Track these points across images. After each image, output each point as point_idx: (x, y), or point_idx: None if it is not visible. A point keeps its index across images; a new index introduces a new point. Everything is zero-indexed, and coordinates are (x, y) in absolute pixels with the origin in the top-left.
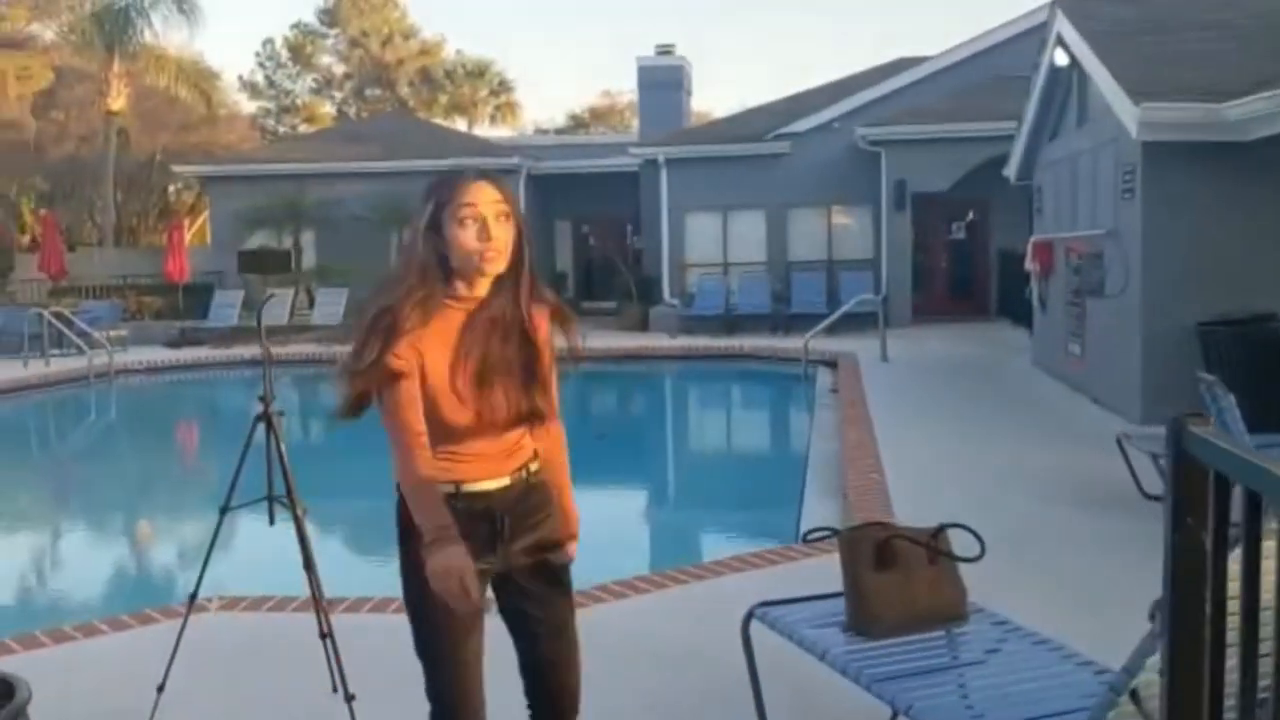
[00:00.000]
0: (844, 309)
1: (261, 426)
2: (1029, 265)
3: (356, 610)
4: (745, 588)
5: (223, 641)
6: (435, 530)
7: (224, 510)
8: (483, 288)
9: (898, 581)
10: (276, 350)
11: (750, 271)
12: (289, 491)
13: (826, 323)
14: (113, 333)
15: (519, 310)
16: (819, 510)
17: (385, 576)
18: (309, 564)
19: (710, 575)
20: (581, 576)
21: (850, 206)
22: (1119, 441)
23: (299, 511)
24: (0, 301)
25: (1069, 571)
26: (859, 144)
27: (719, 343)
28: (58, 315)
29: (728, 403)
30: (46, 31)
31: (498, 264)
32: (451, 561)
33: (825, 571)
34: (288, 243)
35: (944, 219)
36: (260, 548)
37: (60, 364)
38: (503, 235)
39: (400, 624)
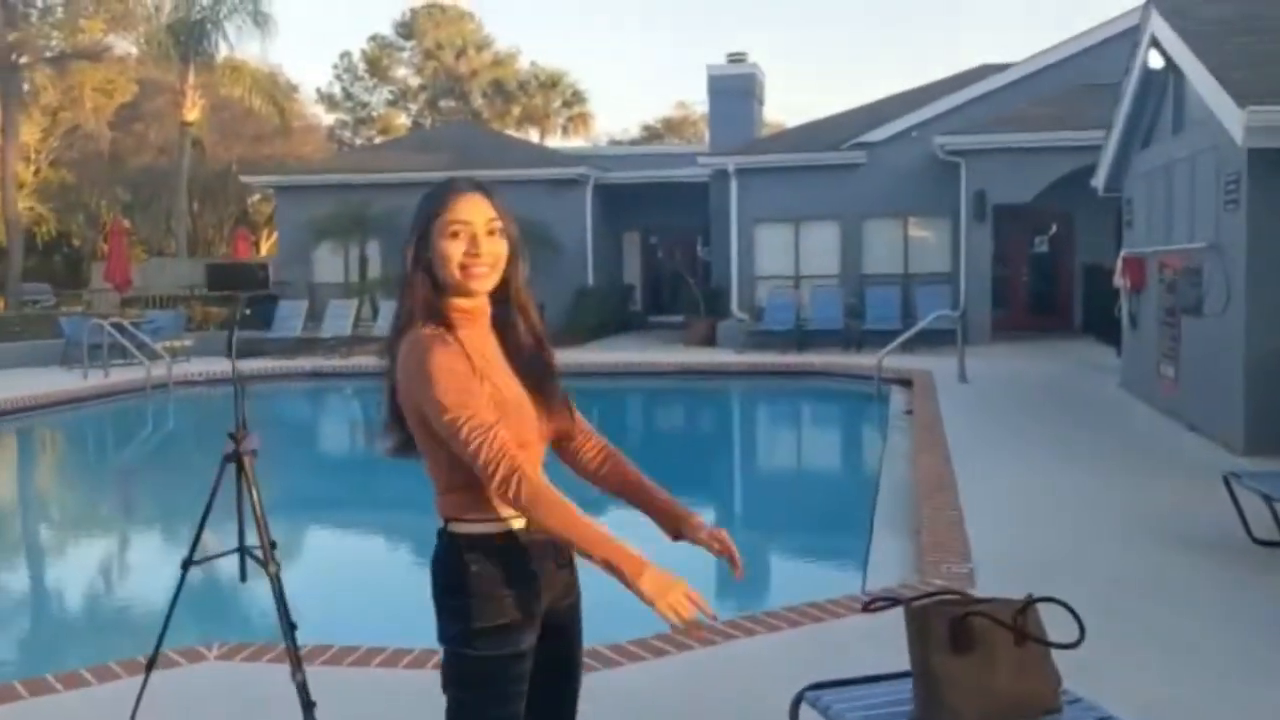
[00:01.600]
0: (920, 325)
1: (232, 468)
2: (1118, 281)
3: (366, 664)
4: (797, 650)
5: (218, 695)
6: (628, 557)
7: (187, 564)
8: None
9: (977, 667)
10: (338, 362)
11: (822, 285)
12: (262, 543)
13: (901, 339)
14: (175, 343)
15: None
16: (888, 550)
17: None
18: (287, 627)
19: (755, 631)
20: (594, 630)
21: (927, 218)
22: (1226, 481)
23: (271, 570)
24: (76, 311)
25: (1180, 638)
26: (937, 153)
27: (788, 359)
28: (117, 326)
29: (794, 424)
30: (122, 42)
31: (486, 281)
32: (667, 576)
33: (894, 630)
34: (354, 253)
35: (1026, 231)
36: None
37: (120, 375)
38: (492, 250)
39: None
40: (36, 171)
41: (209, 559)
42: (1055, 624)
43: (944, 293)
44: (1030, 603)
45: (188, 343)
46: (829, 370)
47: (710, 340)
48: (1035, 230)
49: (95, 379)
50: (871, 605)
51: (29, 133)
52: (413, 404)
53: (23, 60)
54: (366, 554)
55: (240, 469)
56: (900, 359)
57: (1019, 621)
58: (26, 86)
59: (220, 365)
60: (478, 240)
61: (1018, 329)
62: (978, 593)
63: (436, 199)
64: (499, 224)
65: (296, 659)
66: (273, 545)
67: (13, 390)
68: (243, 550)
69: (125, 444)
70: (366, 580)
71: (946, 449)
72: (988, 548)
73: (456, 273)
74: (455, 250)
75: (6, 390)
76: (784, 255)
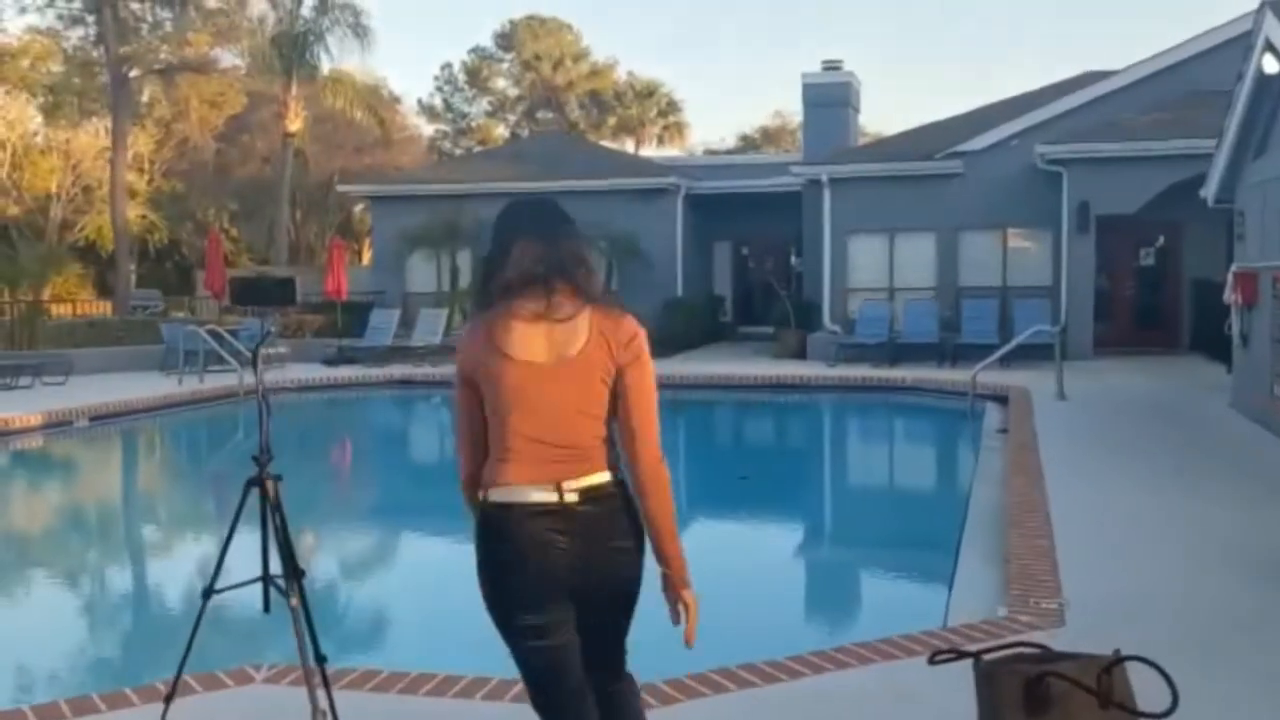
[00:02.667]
0: (1018, 340)
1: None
2: (1229, 297)
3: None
4: (865, 692)
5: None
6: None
7: (208, 593)
8: None
9: None
10: (428, 370)
11: (917, 297)
12: (289, 572)
13: (999, 354)
14: (271, 350)
15: None
16: (974, 578)
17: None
18: (314, 658)
19: (823, 669)
20: (651, 662)
21: (1027, 229)
22: None
23: (293, 602)
24: (179, 318)
25: None
26: (1038, 163)
27: (880, 373)
28: (213, 333)
29: (884, 440)
30: (228, 56)
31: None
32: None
33: (970, 675)
34: (445, 262)
35: (1131, 244)
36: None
37: (215, 381)
38: None
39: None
40: (150, 181)
41: (230, 588)
42: (1147, 677)
43: (1043, 307)
44: (1117, 662)
45: (282, 350)
46: (921, 385)
47: (801, 353)
48: (1141, 243)
49: (191, 384)
50: (937, 659)
51: (143, 143)
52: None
53: (133, 73)
54: (441, 567)
55: (264, 493)
56: (996, 374)
57: (1103, 684)
58: (145, 99)
59: (313, 373)
60: None
61: (1121, 345)
62: (1066, 631)
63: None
64: None
65: (328, 696)
66: (300, 574)
67: (113, 394)
68: (266, 579)
69: (215, 449)
70: (434, 597)
71: (1040, 471)
72: (1079, 580)
73: None
74: None
75: (107, 394)
76: (878, 266)
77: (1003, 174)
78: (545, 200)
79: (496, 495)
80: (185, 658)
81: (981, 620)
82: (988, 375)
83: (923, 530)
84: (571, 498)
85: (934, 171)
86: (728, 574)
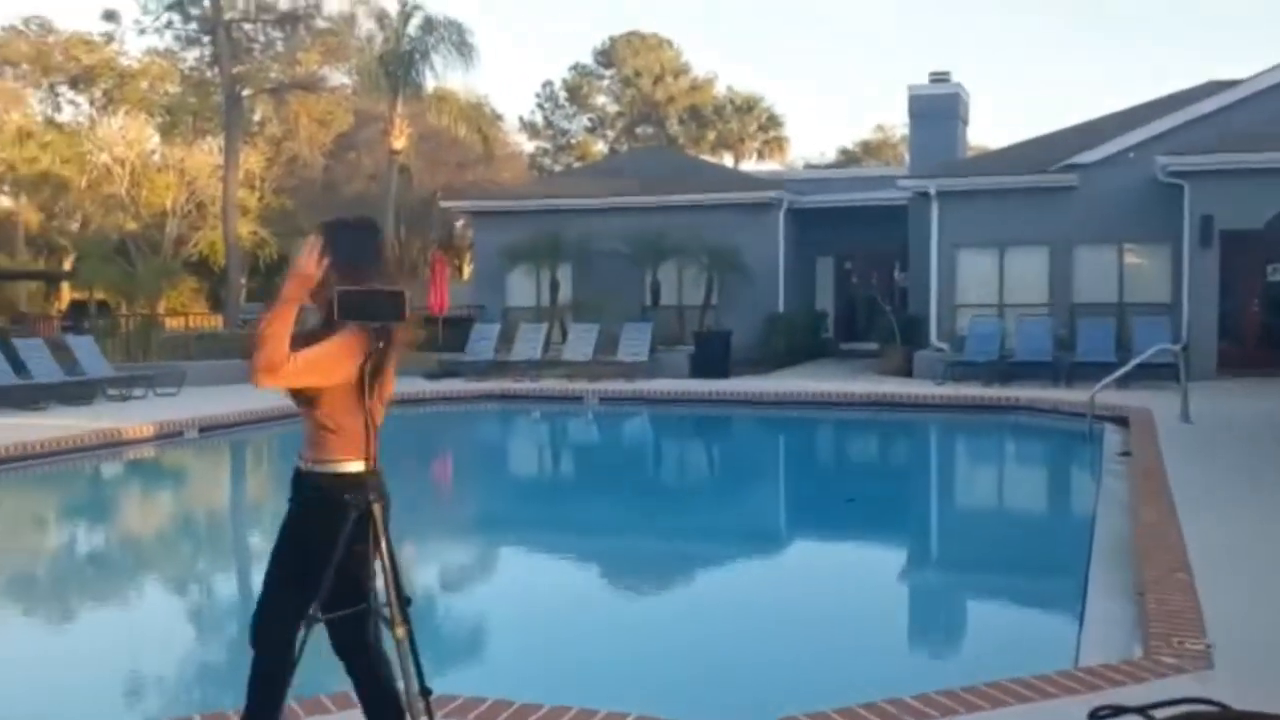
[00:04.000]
0: (1138, 359)
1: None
2: None
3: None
4: None
5: None
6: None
7: (310, 620)
8: None
9: None
10: (528, 385)
11: (1030, 314)
12: (391, 601)
13: (1118, 374)
14: None
15: None
16: (1106, 614)
17: None
18: (419, 694)
19: (953, 710)
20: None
21: (1146, 244)
22: None
23: (399, 633)
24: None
25: None
26: (1158, 175)
27: (991, 392)
28: None
29: (996, 462)
30: (336, 74)
31: None
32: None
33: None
34: (545, 277)
35: (1258, 259)
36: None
37: None
38: None
39: None
40: (261, 198)
41: (332, 617)
42: None
43: (1163, 324)
44: None
45: None
46: (1035, 405)
47: (906, 371)
48: (1269, 258)
49: None
50: (1099, 715)
51: (255, 161)
52: None
53: (245, 93)
54: (548, 586)
55: (369, 516)
56: (1115, 395)
57: None
58: (257, 117)
59: (413, 387)
60: None
61: (1246, 366)
62: (1217, 676)
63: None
64: None
65: None
66: (407, 602)
67: (222, 406)
68: (370, 610)
69: None
70: (540, 619)
71: (1170, 498)
72: (1225, 618)
73: None
74: None
75: (217, 406)
76: (987, 282)
77: (1119, 187)
78: None
79: None
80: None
81: (1120, 660)
82: (1106, 396)
83: (1044, 559)
84: None
85: (1047, 184)
86: (837, 603)
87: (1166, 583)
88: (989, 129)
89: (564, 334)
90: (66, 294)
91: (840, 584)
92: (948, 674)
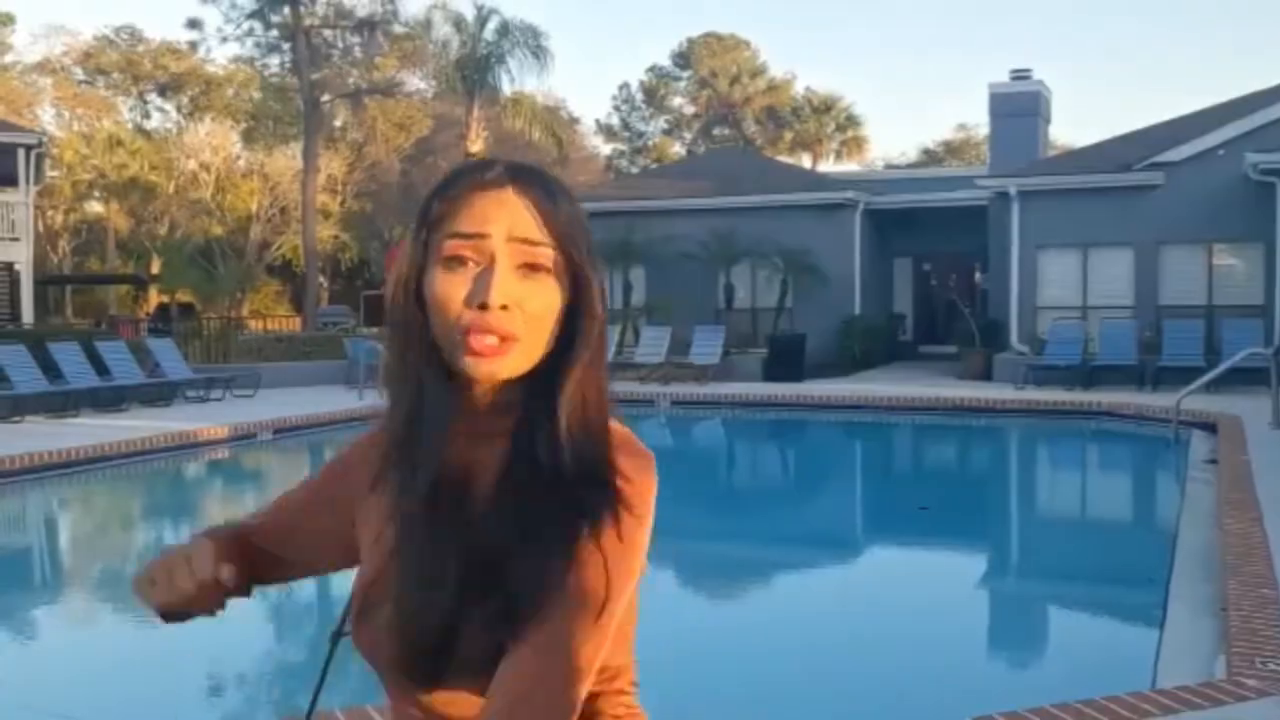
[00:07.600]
0: (1228, 363)
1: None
2: None
3: None
4: None
5: None
6: None
7: (337, 636)
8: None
9: None
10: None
11: (1113, 317)
12: None
13: (1206, 379)
14: None
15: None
16: (1186, 630)
17: None
18: None
19: None
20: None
21: (1235, 244)
22: None
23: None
24: (363, 334)
25: None
26: (1249, 173)
27: (1073, 397)
28: None
29: (1077, 469)
30: (414, 79)
31: (500, 362)
32: None
33: None
34: (618, 279)
35: None
36: None
37: None
38: (524, 297)
39: None
40: (342, 202)
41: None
42: None
43: (1254, 327)
44: None
45: None
46: (1119, 410)
47: (986, 374)
48: None
49: (371, 399)
50: None
51: (335, 166)
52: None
53: (324, 98)
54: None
55: None
56: (1202, 400)
57: None
58: (337, 123)
59: None
60: (492, 273)
61: None
62: None
63: (442, 197)
64: (544, 249)
65: None
66: None
67: (297, 408)
68: None
69: None
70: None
71: (1258, 509)
72: None
73: (452, 334)
74: (452, 289)
75: (291, 408)
76: (1070, 284)
77: (1208, 185)
78: None
79: None
80: (314, 703)
81: (1199, 682)
82: (1193, 401)
83: (1123, 572)
84: None
85: (1132, 183)
86: (906, 615)
87: (1252, 599)
88: (1072, 127)
89: (636, 336)
90: (154, 297)
91: (906, 595)
92: (1017, 692)
